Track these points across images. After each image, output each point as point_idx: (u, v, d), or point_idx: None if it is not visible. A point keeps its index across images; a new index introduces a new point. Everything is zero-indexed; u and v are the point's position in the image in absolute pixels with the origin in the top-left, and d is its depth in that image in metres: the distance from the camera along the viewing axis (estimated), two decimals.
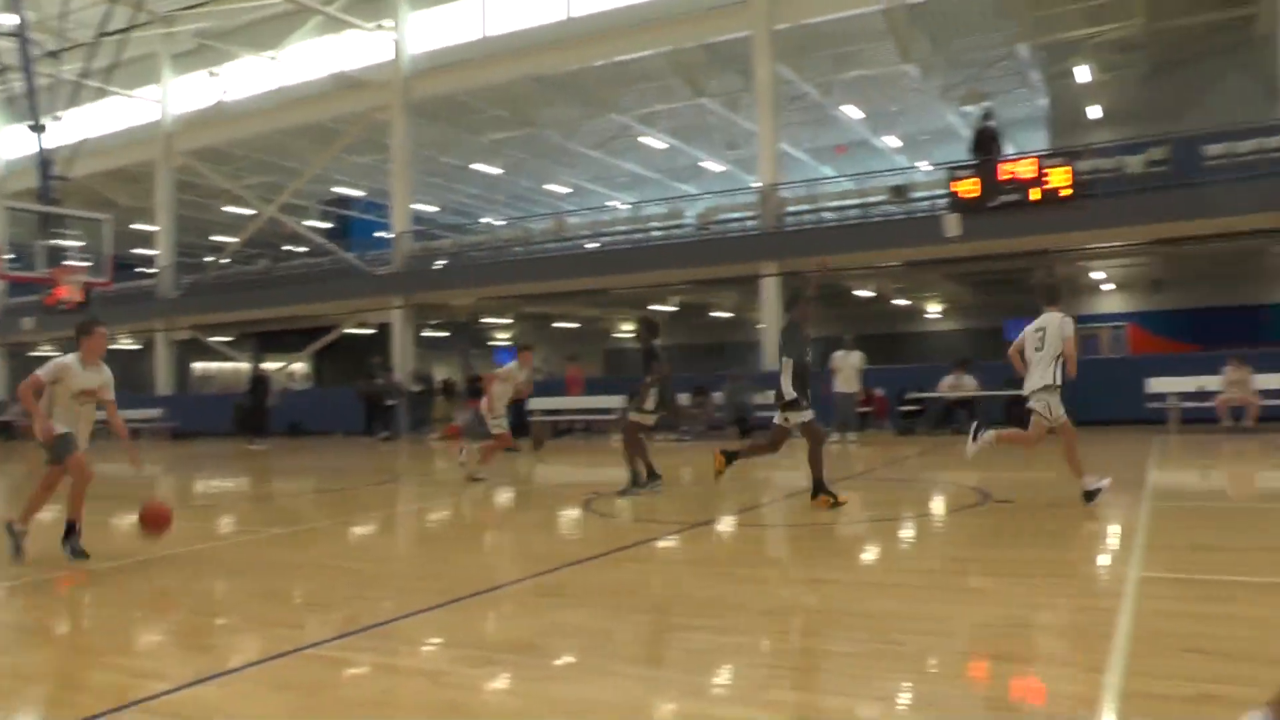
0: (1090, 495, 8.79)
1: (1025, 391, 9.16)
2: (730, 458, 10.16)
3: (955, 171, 21.51)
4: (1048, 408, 8.90)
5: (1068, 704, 3.94)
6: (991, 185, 20.30)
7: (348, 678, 4.46)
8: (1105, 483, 8.87)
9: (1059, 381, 8.84)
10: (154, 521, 7.52)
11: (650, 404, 11.13)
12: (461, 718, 3.90)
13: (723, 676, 4.40)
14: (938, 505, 10.27)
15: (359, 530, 9.67)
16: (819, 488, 9.40)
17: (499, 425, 13.31)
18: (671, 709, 3.95)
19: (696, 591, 6.13)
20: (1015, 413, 19.39)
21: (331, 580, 6.78)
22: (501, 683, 4.34)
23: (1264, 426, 16.69)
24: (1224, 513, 9.17)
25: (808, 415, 9.47)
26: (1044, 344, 8.88)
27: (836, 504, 9.27)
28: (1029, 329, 9.14)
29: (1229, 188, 19.31)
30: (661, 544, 8.09)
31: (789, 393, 9.34)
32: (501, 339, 43.30)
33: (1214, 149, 20.51)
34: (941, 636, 4.88)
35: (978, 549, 7.60)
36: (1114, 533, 8.00)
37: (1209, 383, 17.78)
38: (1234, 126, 20.53)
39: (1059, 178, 19.83)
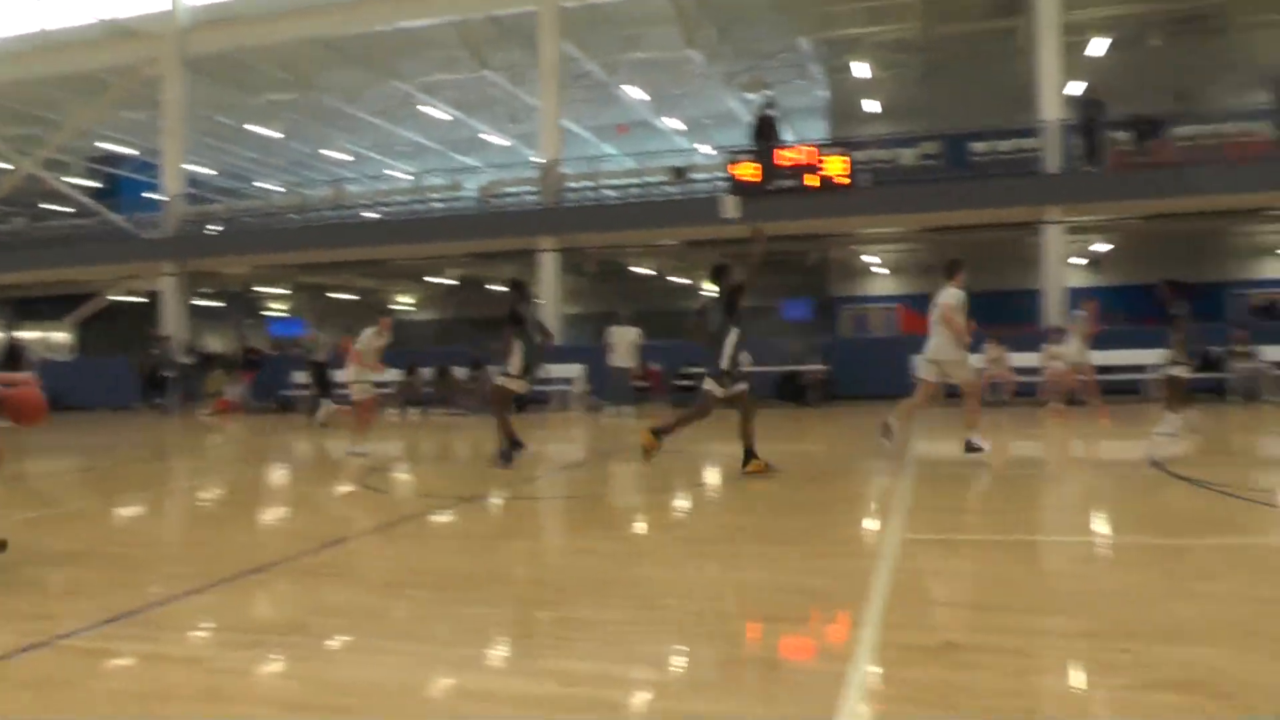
0: (972, 449, 9.83)
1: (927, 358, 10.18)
2: (659, 434, 9.81)
3: (735, 155, 22.21)
4: (938, 373, 10.04)
5: (825, 659, 4.12)
6: (770, 170, 21.07)
7: (106, 669, 4.14)
8: (986, 445, 9.93)
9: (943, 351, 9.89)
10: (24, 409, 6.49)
11: (516, 368, 10.66)
12: (227, 704, 3.69)
13: (494, 649, 4.36)
14: (709, 475, 10.57)
15: (124, 512, 9.10)
16: (750, 455, 9.52)
17: (364, 390, 12.82)
18: (444, 684, 3.89)
19: (469, 565, 6.06)
20: (787, 390, 20.47)
21: (91, 566, 6.34)
22: (270, 665, 4.16)
23: (1018, 401, 18.09)
24: (977, 479, 9.85)
25: (744, 385, 9.56)
26: (934, 317, 10.00)
27: (769, 469, 9.43)
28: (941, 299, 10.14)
29: (992, 182, 20.79)
30: (436, 518, 7.99)
31: (729, 366, 9.40)
32: (278, 309, 41.59)
33: (979, 146, 21.99)
34: (708, 600, 4.97)
35: (746, 516, 7.84)
36: (879, 498, 8.45)
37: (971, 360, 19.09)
38: (997, 128, 22.03)
39: (836, 166, 20.79)
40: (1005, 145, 21.71)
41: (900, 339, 24.76)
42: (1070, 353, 15.82)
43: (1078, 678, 3.78)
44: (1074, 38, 22.13)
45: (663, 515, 8.17)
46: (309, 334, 18.66)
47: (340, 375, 13.00)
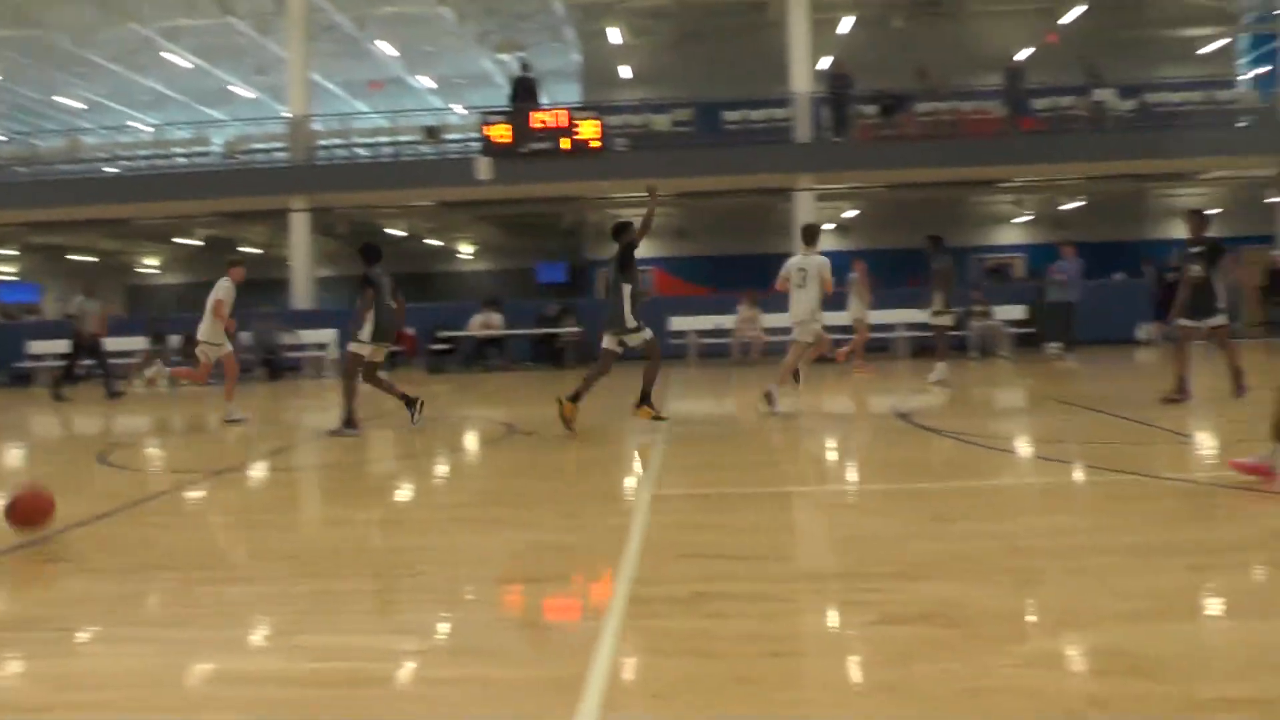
0: (768, 399, 10.01)
1: (790, 321, 10.54)
2: (575, 399, 9.66)
3: (489, 117, 21.85)
4: (816, 336, 10.55)
5: (582, 616, 4.03)
6: (524, 132, 20.84)
7: None
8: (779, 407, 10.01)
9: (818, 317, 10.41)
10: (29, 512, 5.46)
11: (366, 334, 9.93)
12: None
13: (251, 629, 4.00)
14: (468, 440, 10.36)
15: None
16: (645, 399, 9.75)
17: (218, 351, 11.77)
18: (200, 669, 3.52)
19: (223, 543, 5.69)
20: (544, 352, 20.52)
21: None
22: (7, 665, 3.65)
23: (767, 359, 18.72)
24: (730, 435, 10.08)
25: (648, 333, 9.80)
26: (806, 281, 10.12)
27: (657, 418, 9.68)
28: (792, 265, 10.38)
29: (744, 150, 21.39)
30: (185, 494, 7.38)
31: (630, 321, 9.58)
32: (6, 272, 37.73)
33: (732, 115, 22.55)
34: (466, 565, 4.82)
35: (504, 480, 7.68)
36: (633, 458, 8.48)
37: (724, 321, 19.64)
38: (749, 97, 22.64)
39: (589, 130, 20.77)
40: (758, 115, 22.36)
41: (655, 301, 25.28)
42: (852, 312, 16.36)
43: (822, 618, 3.83)
44: (823, 15, 22.99)
45: (421, 482, 7.93)
46: (75, 302, 16.66)
47: (200, 332, 11.90)
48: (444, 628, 3.93)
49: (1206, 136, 21.86)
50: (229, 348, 11.92)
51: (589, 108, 21.60)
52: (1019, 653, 3.30)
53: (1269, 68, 27.23)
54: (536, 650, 3.60)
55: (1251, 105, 24.13)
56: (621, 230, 10.03)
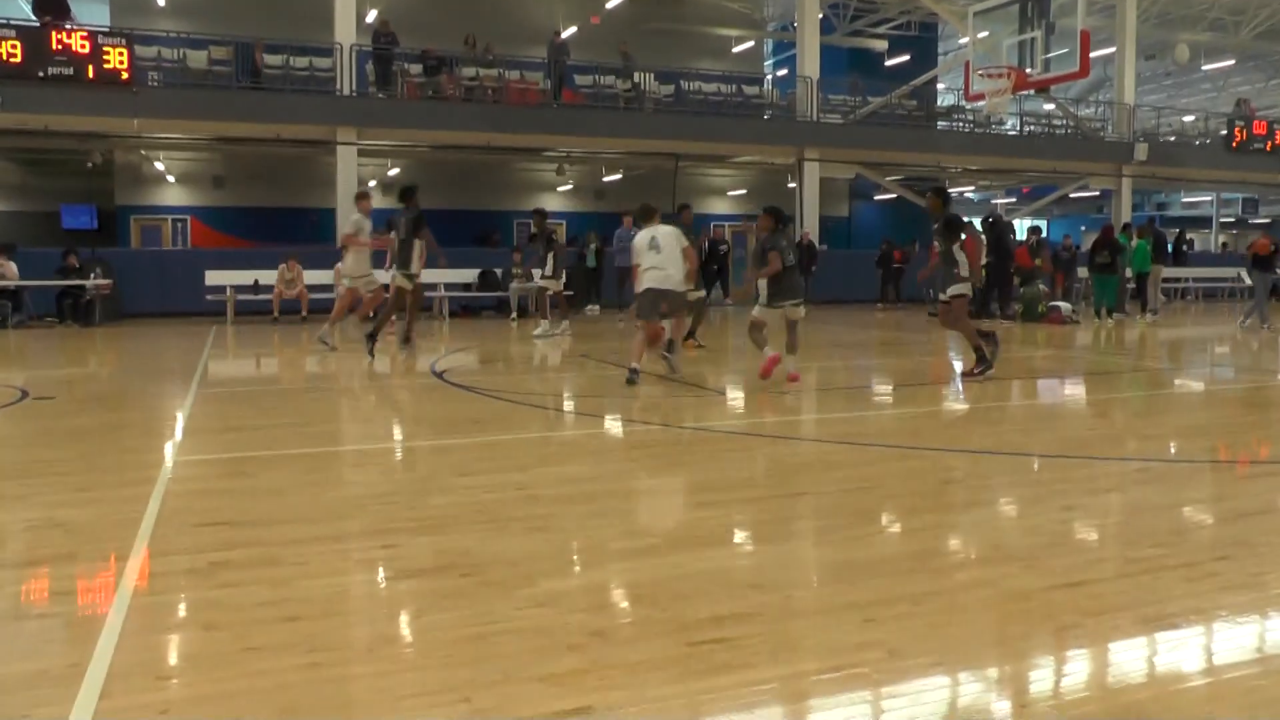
0: (632, 376, 9.38)
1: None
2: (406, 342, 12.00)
3: None
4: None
5: (86, 597, 3.78)
6: (42, 53, 18.38)
7: None
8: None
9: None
10: None
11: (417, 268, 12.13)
12: None
13: None
14: None
15: None
16: (373, 338, 11.79)
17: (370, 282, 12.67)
18: None
19: None
20: (69, 307, 18.32)
21: None
22: None
23: (312, 317, 18.20)
24: (262, 396, 9.77)
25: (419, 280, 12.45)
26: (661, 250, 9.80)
27: (408, 346, 12.29)
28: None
29: (286, 97, 20.44)
30: None
31: (416, 265, 12.20)
32: None
33: (272, 59, 21.44)
34: None
35: (11, 451, 6.94)
36: (156, 422, 7.99)
37: (264, 277, 18.77)
38: (293, 42, 21.59)
39: (116, 59, 18.77)
40: (301, 61, 21.47)
41: (192, 253, 23.60)
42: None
43: (339, 578, 3.91)
44: None
45: None
46: None
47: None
48: None
49: (735, 125, 24.31)
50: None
51: (116, 34, 19.41)
52: (527, 595, 3.61)
53: (786, 71, 30.62)
54: (32, 642, 3.32)
55: (774, 102, 27.12)
56: (410, 194, 12.75)
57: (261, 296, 18.68)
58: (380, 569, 4.02)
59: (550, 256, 15.31)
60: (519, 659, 3.02)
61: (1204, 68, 34.97)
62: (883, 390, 10.05)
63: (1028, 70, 19.38)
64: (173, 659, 3.16)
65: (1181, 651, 3.21)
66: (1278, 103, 36.25)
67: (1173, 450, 6.96)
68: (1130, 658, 3.18)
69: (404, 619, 3.50)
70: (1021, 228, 29.14)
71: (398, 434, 7.80)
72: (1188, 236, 32.40)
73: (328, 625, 3.36)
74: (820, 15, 25.06)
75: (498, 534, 4.45)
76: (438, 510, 4.87)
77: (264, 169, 25.83)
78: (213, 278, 18.76)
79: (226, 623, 3.34)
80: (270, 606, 3.49)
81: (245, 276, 18.98)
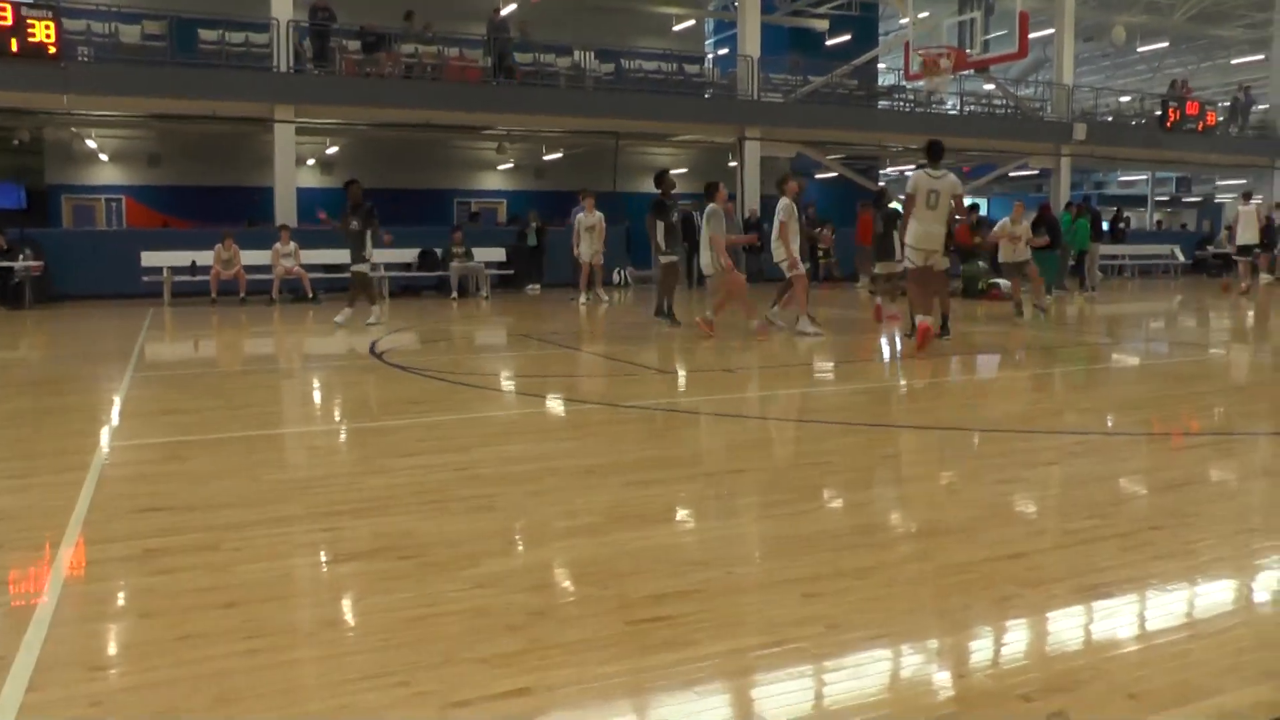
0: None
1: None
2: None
3: None
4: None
5: (16, 587, 3.67)
6: None
7: None
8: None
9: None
10: None
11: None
12: None
13: None
14: None
15: None
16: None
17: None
18: None
19: None
20: None
21: None
22: None
23: (250, 299, 17.93)
24: (200, 378, 9.60)
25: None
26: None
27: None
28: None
29: (221, 73, 20.00)
30: None
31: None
32: None
33: (208, 34, 20.98)
34: None
35: None
36: (91, 406, 7.81)
37: (202, 258, 18.42)
38: (228, 17, 21.14)
39: (43, 31, 18.22)
40: (236, 37, 21.03)
41: (128, 233, 23.07)
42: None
43: (278, 562, 3.85)
44: None
45: None
46: None
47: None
48: None
49: (676, 103, 24.25)
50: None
51: (42, 5, 18.83)
52: (468, 576, 3.58)
53: (727, 50, 30.60)
54: None
55: (715, 81, 27.11)
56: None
57: (199, 278, 18.32)
58: (320, 552, 3.97)
59: (368, 235, 13.41)
60: (459, 641, 3.00)
61: (1139, 49, 35.60)
62: (824, 367, 10.13)
63: (968, 50, 19.55)
64: (106, 649, 3.08)
65: (1116, 619, 3.27)
66: (1210, 84, 37.02)
67: (1109, 423, 7.10)
68: (1067, 626, 3.24)
69: (343, 602, 3.46)
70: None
71: (337, 416, 7.71)
72: (1125, 215, 32.99)
73: (266, 610, 3.31)
74: None
75: (439, 515, 4.42)
76: (378, 492, 4.81)
77: (201, 147, 25.36)
78: (149, 259, 18.36)
79: (162, 610, 3.28)
80: (207, 593, 3.43)
81: (182, 257, 18.60)
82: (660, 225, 13.49)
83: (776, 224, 11.86)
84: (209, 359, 11.78)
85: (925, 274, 10.64)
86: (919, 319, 10.41)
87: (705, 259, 12.13)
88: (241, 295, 18.05)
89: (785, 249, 11.83)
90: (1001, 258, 15.07)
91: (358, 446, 6.19)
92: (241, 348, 12.57)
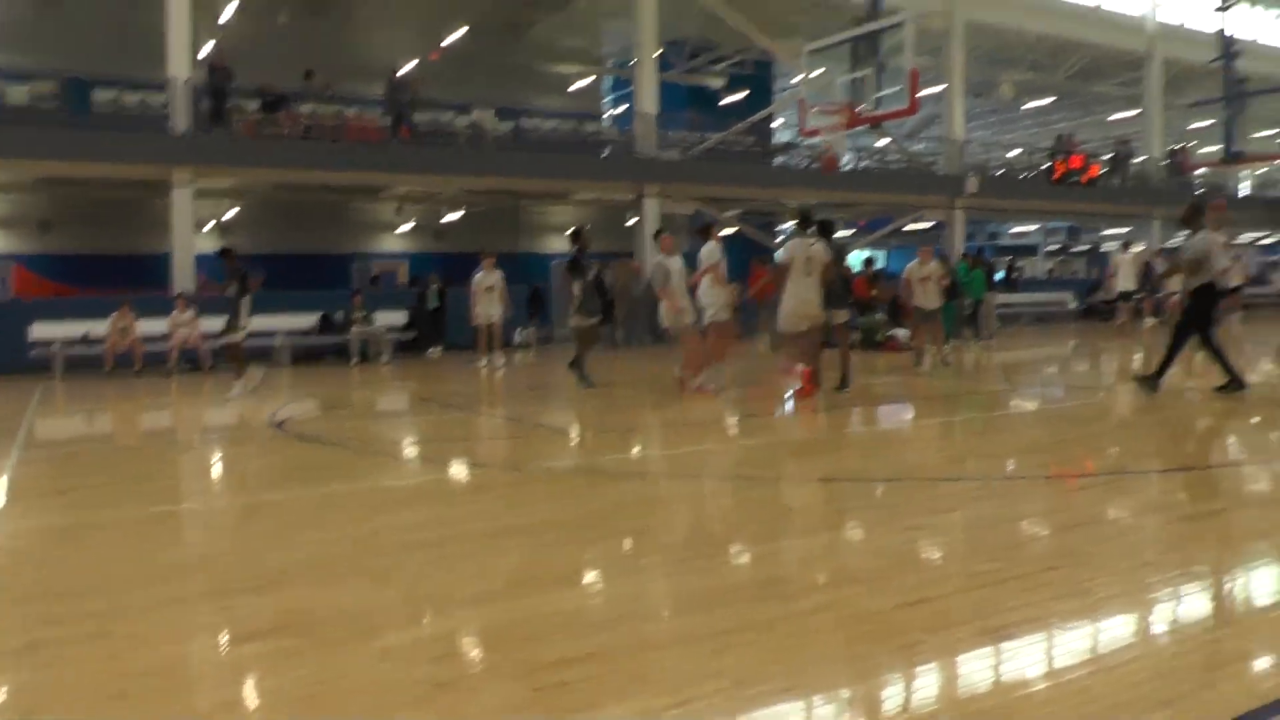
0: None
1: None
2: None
3: None
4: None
5: None
6: None
7: None
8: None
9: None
10: None
11: None
12: None
13: None
14: None
15: None
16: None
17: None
18: None
19: None
20: None
21: None
22: None
23: (148, 370, 17.37)
24: (93, 454, 9.28)
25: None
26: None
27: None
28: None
29: (116, 135, 19.53)
30: None
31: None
32: None
33: (103, 95, 20.53)
34: None
35: None
36: None
37: (96, 328, 17.82)
38: (125, 78, 20.74)
39: None
40: (132, 98, 20.62)
41: (14, 304, 22.23)
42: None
43: (173, 646, 3.70)
44: None
45: None
46: None
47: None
48: None
49: (575, 162, 24.41)
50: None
51: None
52: (370, 649, 3.49)
53: (626, 107, 31.04)
54: None
55: (613, 139, 27.40)
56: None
57: (94, 350, 17.70)
58: (217, 633, 3.83)
59: (243, 303, 12.95)
60: (362, 717, 2.91)
61: (1026, 105, 37.12)
62: (729, 421, 10.20)
63: (861, 107, 20.12)
64: None
65: (1021, 659, 3.34)
66: (1093, 138, 38.69)
67: (1008, 468, 7.27)
68: (974, 669, 3.29)
69: (243, 685, 3.33)
70: (859, 259, 30.28)
71: (235, 488, 7.49)
72: (1017, 264, 34.13)
73: (159, 701, 3.16)
74: (658, 52, 25.46)
75: (340, 587, 4.31)
76: (277, 566, 4.68)
77: (95, 212, 24.67)
78: (39, 330, 17.70)
79: (46, 708, 3.11)
80: (97, 685, 3.27)
81: (76, 328, 17.95)
82: (577, 285, 12.89)
83: (701, 270, 11.57)
84: (103, 434, 11.38)
85: (806, 336, 11.00)
86: (800, 367, 10.78)
87: (663, 313, 11.76)
88: (137, 367, 17.48)
89: (712, 297, 11.51)
90: (916, 301, 14.84)
91: (256, 520, 6.01)
92: (138, 421, 12.18)
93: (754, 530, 5.37)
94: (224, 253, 13.25)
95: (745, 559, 4.86)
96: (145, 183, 20.81)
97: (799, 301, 10.79)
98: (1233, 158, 28.39)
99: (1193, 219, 10.42)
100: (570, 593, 4.31)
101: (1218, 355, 10.21)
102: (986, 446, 8.42)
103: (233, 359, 13.42)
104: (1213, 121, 31.55)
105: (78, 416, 12.67)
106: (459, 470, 7.71)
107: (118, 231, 24.98)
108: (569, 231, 13.71)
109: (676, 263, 11.72)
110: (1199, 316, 10.16)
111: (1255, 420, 9.41)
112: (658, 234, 12.41)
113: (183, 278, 19.19)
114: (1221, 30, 27.04)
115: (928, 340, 14.81)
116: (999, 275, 26.96)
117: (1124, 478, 6.69)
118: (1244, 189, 36.59)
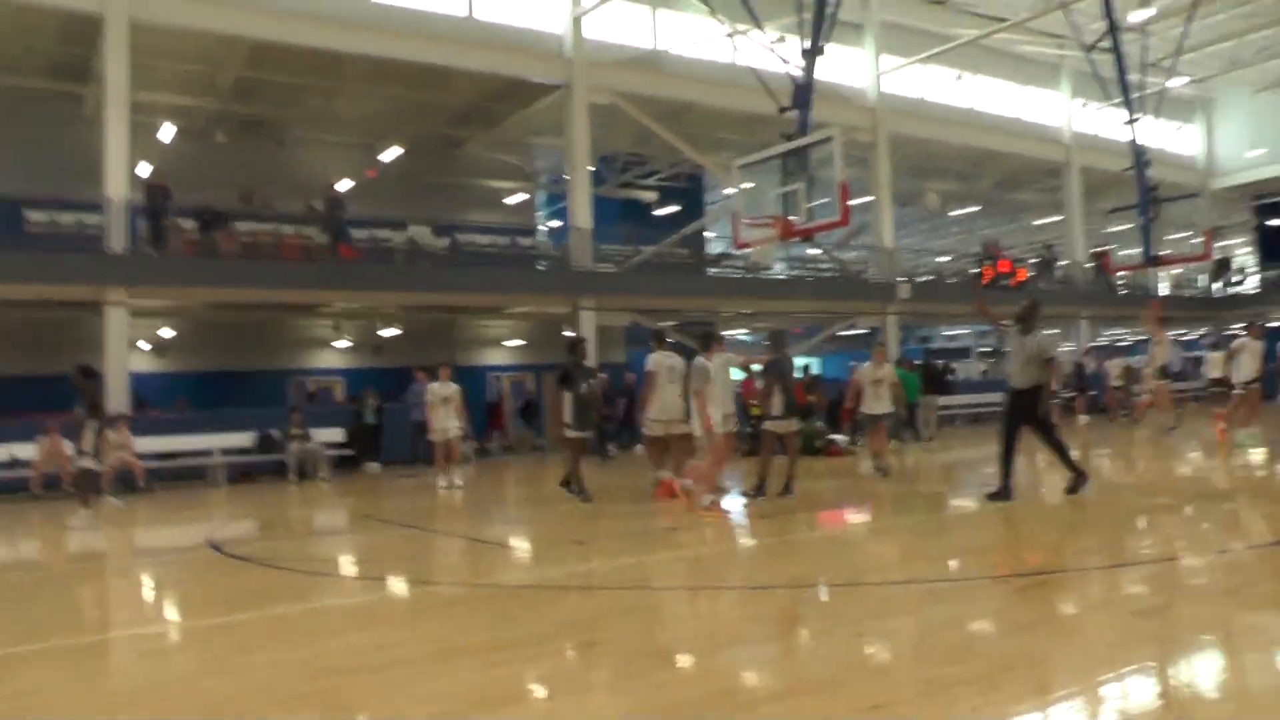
0: None
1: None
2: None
3: None
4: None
5: None
6: None
7: None
8: None
9: None
10: None
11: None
12: None
13: None
14: None
15: None
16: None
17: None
18: None
19: None
20: None
21: None
22: None
23: (48, 493, 16.71)
24: (19, 584, 8.91)
25: None
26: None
27: None
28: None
29: (50, 256, 19.26)
30: None
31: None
32: None
33: (37, 216, 20.33)
34: None
35: None
36: None
37: (21, 451, 17.30)
38: (60, 198, 20.57)
39: None
40: (67, 218, 20.44)
41: None
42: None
43: None
44: (144, 118, 21.80)
45: None
46: None
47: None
48: None
49: (511, 276, 24.64)
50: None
51: None
52: None
53: (560, 223, 31.49)
54: None
55: (548, 253, 27.73)
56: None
57: (18, 475, 17.14)
58: None
59: (93, 428, 12.90)
60: None
61: (953, 213, 38.39)
62: (671, 529, 10.11)
63: (793, 218, 20.61)
64: None
65: None
66: (1019, 243, 39.99)
67: (955, 568, 7.30)
68: None
69: None
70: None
71: (173, 614, 7.25)
72: (950, 367, 34.81)
73: None
74: (592, 168, 26.00)
75: (284, 714, 4.17)
76: (218, 695, 4.51)
77: (24, 333, 24.16)
78: None
79: None
80: None
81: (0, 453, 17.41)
82: (568, 397, 12.23)
83: (695, 386, 10.90)
84: (31, 561, 10.98)
85: (665, 442, 11.73)
86: (660, 475, 11.76)
87: (695, 419, 11.07)
88: (69, 488, 16.92)
89: (700, 414, 10.88)
90: (865, 408, 14.61)
91: (196, 647, 5.81)
92: (69, 546, 11.78)
93: (703, 642, 5.32)
94: (85, 371, 12.79)
95: (696, 671, 4.79)
96: (77, 303, 20.50)
97: (660, 408, 11.65)
98: (1151, 260, 29.47)
99: (1030, 318, 10.52)
100: (517, 711, 4.23)
101: (1059, 451, 10.51)
102: (933, 548, 8.45)
103: (83, 486, 12.98)
104: (1130, 225, 32.83)
105: (2, 545, 12.22)
106: (401, 589, 7.56)
107: (49, 352, 24.47)
108: (566, 343, 13.40)
109: (714, 367, 11.00)
110: (1031, 414, 10.50)
111: (1188, 512, 9.60)
112: (707, 339, 11.54)
113: (118, 399, 18.80)
114: (1133, 140, 28.37)
115: (874, 444, 14.75)
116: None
117: (1066, 575, 6.76)
118: (1163, 288, 37.90)
